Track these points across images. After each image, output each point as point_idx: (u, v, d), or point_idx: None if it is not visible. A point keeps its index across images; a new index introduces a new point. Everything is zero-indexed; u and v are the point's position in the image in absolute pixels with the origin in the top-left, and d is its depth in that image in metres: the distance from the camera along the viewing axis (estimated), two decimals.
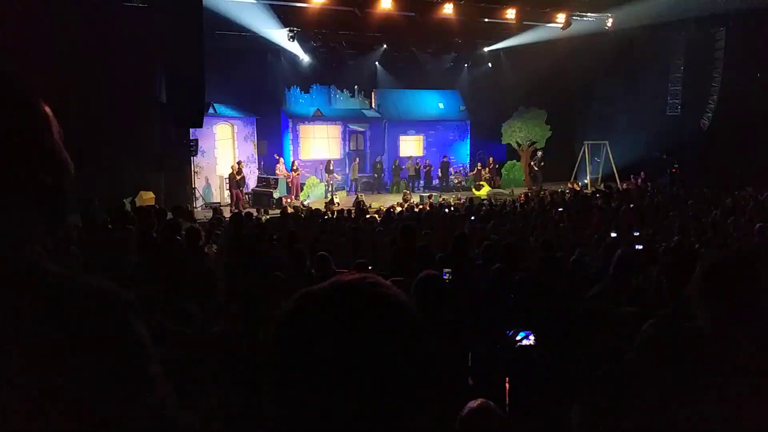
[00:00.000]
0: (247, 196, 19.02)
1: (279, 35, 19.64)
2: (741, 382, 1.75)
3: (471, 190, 22.02)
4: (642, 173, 22.31)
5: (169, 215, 9.10)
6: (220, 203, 18.00)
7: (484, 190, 21.61)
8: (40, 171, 0.95)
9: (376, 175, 22.85)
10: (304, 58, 21.65)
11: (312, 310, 0.82)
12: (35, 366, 0.83)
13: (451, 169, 24.07)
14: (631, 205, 12.58)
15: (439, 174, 23.68)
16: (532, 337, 3.22)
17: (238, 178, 18.15)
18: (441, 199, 18.86)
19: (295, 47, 20.61)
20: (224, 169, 19.20)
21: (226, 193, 18.95)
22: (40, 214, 0.97)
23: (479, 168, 23.84)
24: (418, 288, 3.42)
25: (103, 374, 0.87)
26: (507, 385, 3.24)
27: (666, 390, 1.89)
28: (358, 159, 22.54)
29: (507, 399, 3.09)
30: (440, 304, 3.46)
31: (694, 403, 1.81)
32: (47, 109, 0.98)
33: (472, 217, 12.07)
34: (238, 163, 18.69)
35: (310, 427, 0.78)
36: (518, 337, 3.24)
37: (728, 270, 1.85)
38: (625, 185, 21.17)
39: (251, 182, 19.87)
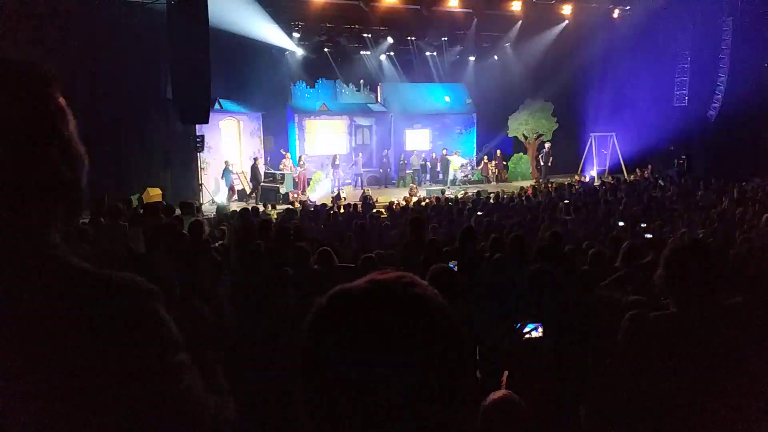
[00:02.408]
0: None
1: (285, 30, 19.62)
2: (711, 358, 1.95)
3: (477, 184, 21.98)
4: (649, 166, 22.18)
5: (177, 211, 9.11)
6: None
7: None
8: (61, 164, 0.93)
9: (381, 170, 22.77)
10: (310, 52, 21.60)
11: (347, 309, 0.80)
12: (62, 360, 0.83)
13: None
14: (638, 197, 12.51)
15: (436, 166, 23.29)
16: (540, 329, 3.21)
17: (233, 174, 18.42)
18: (448, 194, 18.80)
19: (300, 42, 20.59)
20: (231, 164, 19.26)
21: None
22: (59, 208, 0.96)
23: (486, 162, 23.78)
24: (430, 282, 3.40)
25: (133, 365, 0.87)
26: (504, 378, 3.24)
27: (652, 373, 2.06)
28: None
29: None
30: (454, 296, 3.47)
31: (677, 382, 1.99)
32: (62, 100, 0.96)
33: (479, 212, 12.05)
34: (253, 159, 18.90)
35: (343, 428, 0.76)
36: (526, 329, 3.24)
37: (684, 257, 2.04)
38: (632, 177, 21.07)
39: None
